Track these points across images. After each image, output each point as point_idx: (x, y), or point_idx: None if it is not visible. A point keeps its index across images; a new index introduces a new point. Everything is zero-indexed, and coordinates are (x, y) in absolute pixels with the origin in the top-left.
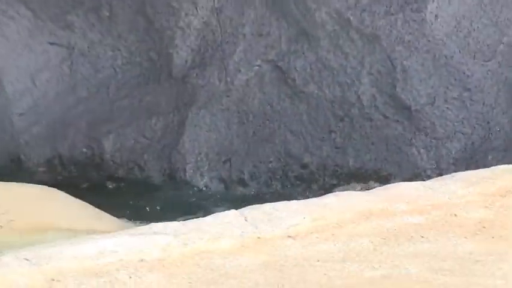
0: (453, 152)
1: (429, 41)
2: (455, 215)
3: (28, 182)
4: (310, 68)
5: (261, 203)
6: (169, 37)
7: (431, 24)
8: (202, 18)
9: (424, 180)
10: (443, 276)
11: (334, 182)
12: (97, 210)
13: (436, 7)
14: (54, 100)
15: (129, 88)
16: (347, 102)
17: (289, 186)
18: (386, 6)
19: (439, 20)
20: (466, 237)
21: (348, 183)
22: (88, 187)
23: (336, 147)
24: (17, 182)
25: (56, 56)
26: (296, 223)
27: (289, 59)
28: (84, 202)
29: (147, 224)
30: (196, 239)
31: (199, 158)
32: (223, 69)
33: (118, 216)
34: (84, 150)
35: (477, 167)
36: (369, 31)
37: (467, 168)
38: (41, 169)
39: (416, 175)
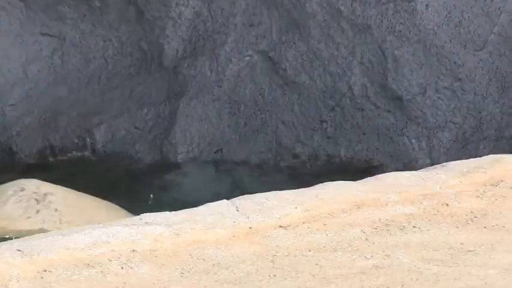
0: (444, 142)
1: (420, 30)
2: (447, 204)
3: (20, 173)
4: (301, 58)
5: (253, 193)
6: (160, 27)
7: (422, 14)
8: (194, 8)
9: (415, 170)
10: (435, 266)
11: (326, 172)
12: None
13: None
14: (46, 91)
15: (120, 79)
16: (338, 92)
17: (280, 176)
18: None
19: (429, 9)
20: (457, 227)
21: (340, 173)
22: (80, 178)
23: (328, 137)
24: (8, 173)
25: (47, 46)
26: (287, 213)
27: (280, 49)
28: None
29: (139, 214)
30: (188, 229)
31: (190, 148)
32: (214, 59)
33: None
34: (76, 140)
35: (469, 157)
36: (360, 21)
37: (458, 158)
38: (32, 160)
39: (408, 165)
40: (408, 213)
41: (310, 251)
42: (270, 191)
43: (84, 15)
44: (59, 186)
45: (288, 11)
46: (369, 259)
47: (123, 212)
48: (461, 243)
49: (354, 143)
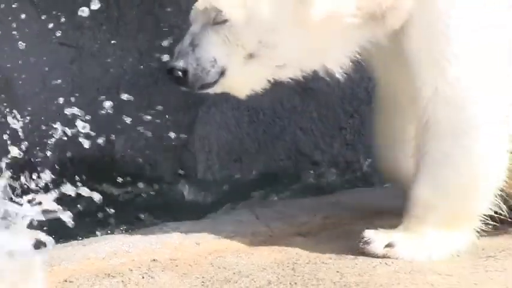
0: None
1: None
2: None
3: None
4: None
5: (273, 202)
6: (178, 36)
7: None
8: None
9: None
10: (456, 271)
11: (346, 179)
12: None
13: None
14: (64, 101)
15: (139, 88)
16: (357, 98)
17: (300, 184)
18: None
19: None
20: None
21: (359, 181)
22: (100, 187)
23: (347, 144)
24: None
25: (65, 56)
26: (307, 221)
27: None
28: None
29: (159, 224)
30: (208, 238)
31: (209, 157)
32: None
33: (130, 217)
34: (95, 150)
35: None
36: None
37: None
38: (50, 171)
39: None
40: None
41: (330, 258)
42: (289, 199)
43: (102, 25)
44: None
45: None
46: (389, 265)
47: None
48: (483, 249)
49: (373, 149)
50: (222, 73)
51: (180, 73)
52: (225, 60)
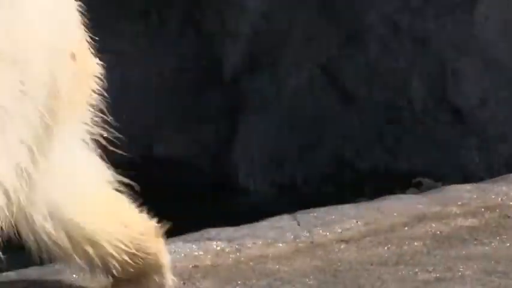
0: (505, 154)
1: (479, 42)
2: (509, 216)
3: None
4: (361, 72)
5: (314, 208)
6: (219, 43)
7: (481, 25)
8: (252, 23)
9: (476, 183)
10: (498, 279)
11: (386, 185)
12: None
13: (486, 8)
14: (104, 107)
15: (179, 95)
16: (398, 105)
17: (341, 190)
18: (436, 9)
19: (489, 21)
20: None
21: (400, 187)
22: (141, 194)
23: (387, 151)
24: None
25: (105, 63)
26: (349, 227)
27: (339, 63)
28: None
29: (200, 230)
30: (249, 244)
31: (251, 164)
32: (273, 73)
33: (171, 225)
34: (136, 157)
35: None
36: (419, 34)
37: None
38: None
39: (469, 178)
40: (470, 226)
41: (372, 264)
42: (331, 205)
43: (142, 31)
44: None
45: (347, 24)
46: (430, 272)
47: None
48: None
49: (414, 156)
50: None
51: None
52: None
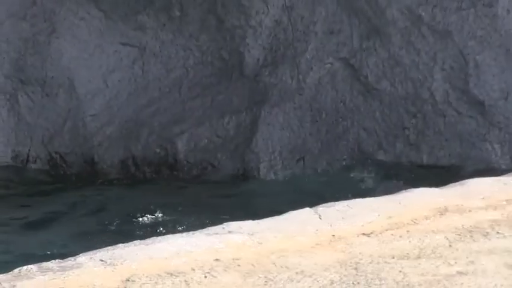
0: None
1: (501, 35)
2: None
3: (102, 184)
4: (383, 65)
5: (335, 201)
6: (241, 36)
7: (503, 18)
8: (274, 17)
9: (498, 176)
10: None
11: (408, 178)
12: None
13: (508, 1)
14: (127, 101)
15: (201, 88)
16: (420, 98)
17: (363, 183)
18: (458, 2)
19: (511, 14)
20: None
21: (422, 180)
22: (162, 187)
23: (410, 144)
24: (91, 183)
25: (127, 56)
26: (370, 220)
27: (361, 56)
28: None
29: (221, 223)
30: (271, 238)
31: (272, 157)
32: (295, 67)
33: (192, 217)
34: (158, 150)
35: None
36: (441, 27)
37: None
38: (114, 170)
39: (491, 170)
40: (492, 219)
41: (393, 258)
42: (352, 198)
43: (164, 25)
44: None
45: (369, 18)
46: (452, 265)
47: None
48: None
49: (436, 149)
50: None
51: None
52: None
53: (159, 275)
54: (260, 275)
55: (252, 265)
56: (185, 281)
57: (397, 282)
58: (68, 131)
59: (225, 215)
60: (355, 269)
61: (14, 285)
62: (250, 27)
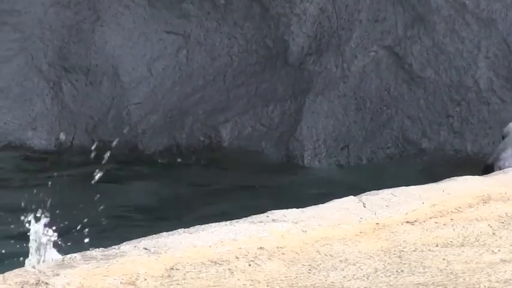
0: None
1: None
2: None
3: (146, 172)
4: (427, 53)
5: (379, 189)
6: (285, 24)
7: None
8: (318, 5)
9: None
10: None
11: (453, 166)
12: None
13: None
14: (171, 89)
15: (246, 76)
16: (464, 86)
17: (407, 171)
18: None
19: None
20: None
21: (466, 168)
22: (207, 174)
23: (454, 132)
24: (134, 171)
25: (171, 44)
26: (414, 208)
27: (405, 44)
28: None
29: (266, 211)
30: (315, 226)
31: (317, 145)
32: (339, 55)
33: (236, 206)
34: (202, 138)
35: None
36: (485, 15)
37: None
38: (159, 158)
39: None
40: None
41: (437, 246)
42: (396, 186)
43: (209, 13)
44: None
45: (413, 6)
46: (496, 253)
47: None
48: None
49: (480, 137)
50: None
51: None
52: None
53: (203, 263)
54: (304, 263)
55: (296, 253)
56: (229, 269)
57: (441, 270)
58: (112, 119)
59: (269, 202)
60: (399, 257)
61: (57, 274)
62: (294, 15)
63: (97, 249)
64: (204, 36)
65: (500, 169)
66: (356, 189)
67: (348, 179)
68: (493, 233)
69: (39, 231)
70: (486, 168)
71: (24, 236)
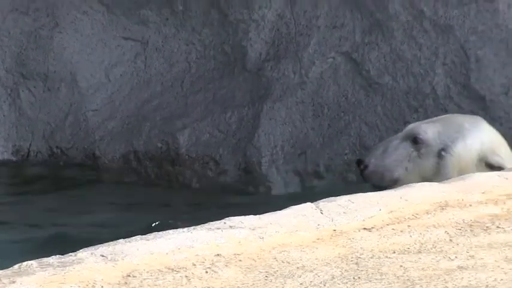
0: None
1: (502, 30)
2: None
3: (104, 179)
4: (384, 59)
5: (337, 196)
6: (244, 30)
7: (504, 13)
8: (276, 11)
9: (499, 171)
10: None
11: None
12: None
13: None
14: (129, 95)
15: (204, 82)
16: (421, 93)
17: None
18: None
19: None
20: None
21: None
22: (164, 183)
23: None
24: (92, 177)
25: (129, 50)
26: (372, 215)
27: (363, 51)
28: None
29: (223, 218)
30: (272, 233)
31: (274, 151)
32: (297, 61)
33: (195, 212)
34: (160, 145)
35: None
36: (443, 21)
37: None
38: (116, 165)
39: None
40: (492, 214)
41: (394, 252)
42: (354, 193)
43: (167, 19)
44: None
45: (371, 12)
46: (453, 260)
47: None
48: None
49: None
50: (395, 181)
51: (361, 166)
52: (401, 173)
53: (160, 271)
54: (261, 270)
55: (253, 260)
56: (186, 276)
57: (398, 277)
58: (70, 125)
59: (226, 209)
60: (356, 263)
61: (14, 281)
62: (253, 21)
63: (54, 256)
64: (162, 42)
65: (369, 164)
66: (313, 196)
67: (305, 186)
68: (450, 240)
69: None
70: (358, 161)
71: None
